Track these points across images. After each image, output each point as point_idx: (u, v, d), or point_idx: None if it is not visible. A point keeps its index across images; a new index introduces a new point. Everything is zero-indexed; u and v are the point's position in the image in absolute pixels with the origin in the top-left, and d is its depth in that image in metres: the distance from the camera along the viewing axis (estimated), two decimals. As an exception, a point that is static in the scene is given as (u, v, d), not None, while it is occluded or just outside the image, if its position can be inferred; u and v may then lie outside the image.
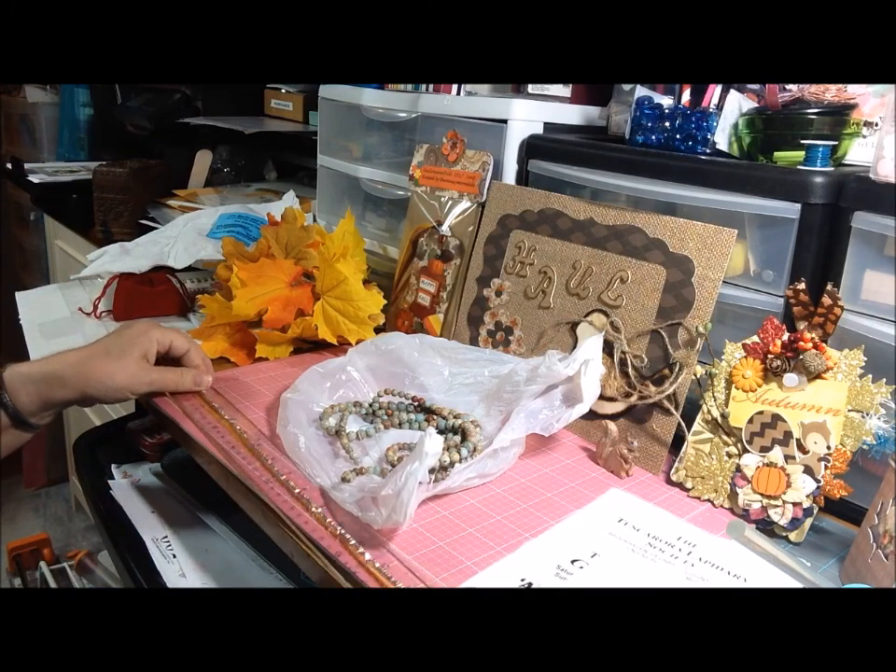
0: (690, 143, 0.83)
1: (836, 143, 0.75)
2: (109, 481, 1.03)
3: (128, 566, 0.88)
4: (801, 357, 0.69)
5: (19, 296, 1.25)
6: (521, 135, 0.97)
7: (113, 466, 1.06)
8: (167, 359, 0.86)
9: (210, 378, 0.87)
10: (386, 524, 0.60)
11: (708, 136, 0.81)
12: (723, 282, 0.76)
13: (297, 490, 0.68)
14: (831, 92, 0.77)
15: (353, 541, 0.61)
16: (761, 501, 0.68)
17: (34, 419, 0.79)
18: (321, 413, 0.80)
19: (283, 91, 1.75)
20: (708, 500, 0.72)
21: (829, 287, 0.68)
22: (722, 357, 0.74)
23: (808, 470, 0.67)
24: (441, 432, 0.79)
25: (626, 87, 0.94)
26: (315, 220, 1.36)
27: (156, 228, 1.40)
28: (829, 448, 0.67)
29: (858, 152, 0.79)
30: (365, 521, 0.63)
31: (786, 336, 0.70)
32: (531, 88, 1.13)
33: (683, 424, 0.75)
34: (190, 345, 0.86)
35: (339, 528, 0.63)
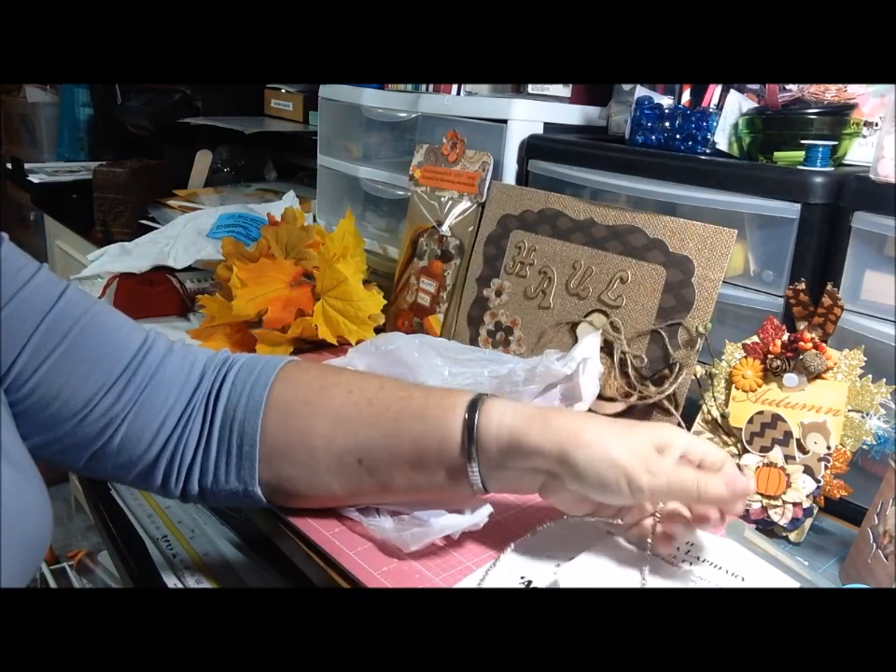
0: (690, 143, 0.83)
1: (836, 143, 0.75)
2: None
3: (128, 566, 0.88)
4: (801, 356, 0.69)
5: (19, 296, 1.24)
6: (521, 135, 0.97)
7: (113, 466, 1.06)
8: None
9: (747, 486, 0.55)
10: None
11: (708, 136, 0.81)
12: (723, 282, 0.76)
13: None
14: (831, 92, 0.77)
15: (352, 541, 0.61)
16: (761, 501, 0.68)
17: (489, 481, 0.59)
18: (321, 413, 0.79)
19: (283, 91, 1.75)
20: (708, 500, 0.72)
21: (829, 287, 0.68)
22: (722, 357, 0.74)
23: (808, 470, 0.67)
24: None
25: (626, 87, 0.94)
26: (315, 220, 1.36)
27: (156, 228, 1.40)
28: (829, 448, 0.67)
29: (858, 152, 0.79)
30: (368, 527, 0.63)
31: (786, 336, 0.70)
32: (531, 88, 1.13)
33: (683, 424, 0.75)
34: (727, 460, 0.57)
35: (338, 528, 0.63)
